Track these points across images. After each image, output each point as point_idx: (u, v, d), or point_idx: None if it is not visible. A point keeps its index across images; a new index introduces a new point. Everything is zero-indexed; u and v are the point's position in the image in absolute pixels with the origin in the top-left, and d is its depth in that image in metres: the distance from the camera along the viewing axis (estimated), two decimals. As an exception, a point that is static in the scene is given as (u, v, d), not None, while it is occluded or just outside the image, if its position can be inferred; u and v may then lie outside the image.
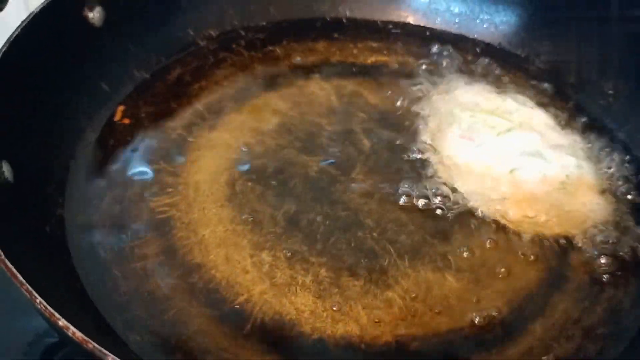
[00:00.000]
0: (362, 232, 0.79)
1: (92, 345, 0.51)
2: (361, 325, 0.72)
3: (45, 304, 0.54)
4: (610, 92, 0.97)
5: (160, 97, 0.95)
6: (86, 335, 0.53)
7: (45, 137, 0.81)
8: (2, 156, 0.71)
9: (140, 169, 0.86)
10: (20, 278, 0.55)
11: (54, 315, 0.53)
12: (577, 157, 0.87)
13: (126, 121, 0.90)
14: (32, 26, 0.79)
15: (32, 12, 0.80)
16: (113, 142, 0.88)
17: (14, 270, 0.56)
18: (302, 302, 0.73)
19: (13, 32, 0.77)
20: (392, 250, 0.78)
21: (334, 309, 0.73)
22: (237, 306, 0.73)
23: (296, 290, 0.74)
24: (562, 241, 0.80)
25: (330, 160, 0.88)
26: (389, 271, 0.76)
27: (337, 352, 0.69)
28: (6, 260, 0.56)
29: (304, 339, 0.70)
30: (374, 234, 0.79)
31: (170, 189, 0.83)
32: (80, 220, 0.79)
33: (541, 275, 0.77)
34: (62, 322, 0.53)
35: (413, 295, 0.74)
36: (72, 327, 0.53)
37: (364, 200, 0.83)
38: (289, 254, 0.77)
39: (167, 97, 0.95)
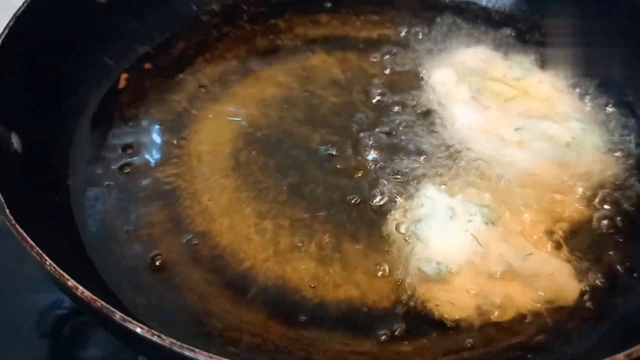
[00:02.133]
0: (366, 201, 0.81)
1: (100, 303, 0.54)
2: (362, 289, 0.73)
3: (54, 265, 0.56)
4: (611, 58, 0.96)
5: (164, 70, 0.96)
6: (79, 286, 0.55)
7: (51, 110, 0.83)
8: (10, 128, 0.73)
9: (145, 140, 0.87)
10: (30, 241, 0.57)
11: (63, 276, 0.55)
12: (582, 121, 0.88)
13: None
14: (37, 2, 0.80)
15: (38, -13, 0.81)
16: (118, 114, 0.90)
17: (24, 234, 0.58)
18: (305, 268, 0.75)
19: (19, 8, 0.78)
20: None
21: (336, 274, 0.74)
22: (241, 272, 0.75)
23: (299, 257, 0.76)
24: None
25: (331, 133, 0.89)
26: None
27: (338, 315, 0.71)
28: (17, 225, 0.58)
29: (306, 302, 0.72)
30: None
31: (175, 160, 0.85)
32: (88, 189, 0.81)
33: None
34: (71, 283, 0.55)
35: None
36: (80, 287, 0.55)
37: (368, 169, 0.84)
38: (291, 222, 0.79)
39: (171, 70, 0.96)
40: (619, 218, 0.80)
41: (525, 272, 0.72)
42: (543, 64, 0.97)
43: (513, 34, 1.02)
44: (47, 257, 0.56)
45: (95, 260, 0.74)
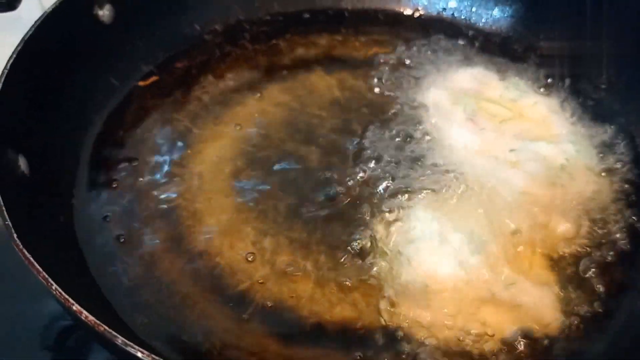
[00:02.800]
0: (361, 223, 0.83)
1: (102, 328, 0.56)
2: (359, 309, 0.75)
3: (60, 290, 0.58)
4: (606, 81, 0.99)
5: (166, 89, 0.98)
6: (97, 319, 0.57)
7: (57, 132, 0.85)
8: (18, 151, 0.75)
9: (147, 160, 0.90)
10: (37, 266, 0.60)
11: (68, 301, 0.57)
12: (576, 143, 0.90)
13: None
14: (45, 25, 0.83)
15: (45, 11, 0.83)
16: (122, 133, 0.92)
17: (32, 259, 0.60)
18: (302, 288, 0.77)
19: (27, 32, 0.81)
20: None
21: (332, 294, 0.77)
22: (240, 291, 0.77)
23: (296, 276, 0.78)
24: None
25: (330, 153, 0.91)
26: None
27: (335, 335, 0.73)
28: (24, 250, 0.61)
29: (303, 322, 0.74)
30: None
31: (176, 179, 0.88)
32: (91, 209, 0.84)
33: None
34: (75, 307, 0.57)
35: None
36: (85, 312, 0.57)
37: (364, 190, 0.86)
38: (290, 242, 0.81)
39: (174, 89, 0.98)
40: (609, 244, 0.81)
41: (507, 301, 0.74)
42: (538, 85, 0.99)
43: (509, 55, 1.04)
44: (53, 282, 0.59)
45: (98, 280, 0.76)
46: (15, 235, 0.62)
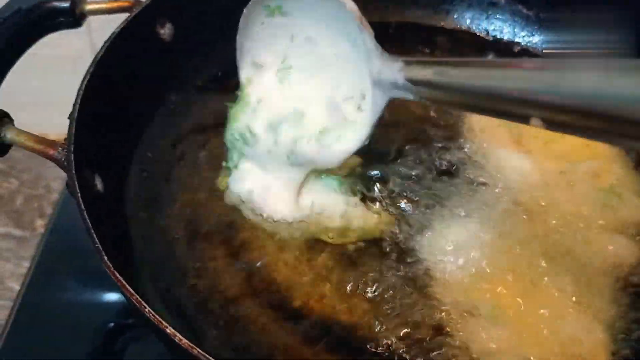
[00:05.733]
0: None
1: (196, 350, 0.60)
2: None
3: (153, 313, 0.62)
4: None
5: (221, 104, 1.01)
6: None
7: (124, 149, 0.89)
8: (95, 171, 0.79)
9: (207, 174, 0.93)
10: (130, 289, 0.63)
11: (162, 323, 0.61)
12: (623, 166, 0.93)
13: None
14: (113, 46, 0.86)
15: (113, 32, 0.86)
16: (182, 148, 0.95)
17: (123, 281, 0.64)
18: (360, 307, 0.80)
19: (97, 53, 0.84)
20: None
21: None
22: (296, 308, 0.80)
23: (354, 294, 0.81)
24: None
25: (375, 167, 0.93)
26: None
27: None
28: (116, 273, 0.64)
29: (364, 343, 0.77)
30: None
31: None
32: (158, 222, 0.87)
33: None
34: (169, 330, 0.61)
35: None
36: (178, 335, 0.61)
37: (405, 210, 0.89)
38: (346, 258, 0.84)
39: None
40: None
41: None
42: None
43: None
44: (146, 305, 0.63)
45: (170, 295, 0.80)
46: (105, 258, 0.66)
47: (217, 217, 0.89)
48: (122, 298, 1.02)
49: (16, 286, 1.19)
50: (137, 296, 0.62)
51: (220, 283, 0.82)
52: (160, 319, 0.61)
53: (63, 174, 0.75)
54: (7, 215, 1.34)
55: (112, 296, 1.04)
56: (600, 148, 0.95)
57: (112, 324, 1.04)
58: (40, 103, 1.21)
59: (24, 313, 1.03)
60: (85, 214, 0.68)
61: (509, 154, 0.94)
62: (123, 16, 0.91)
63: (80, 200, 0.69)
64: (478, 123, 0.98)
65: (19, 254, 1.27)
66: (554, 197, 0.88)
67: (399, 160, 0.94)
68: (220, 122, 0.98)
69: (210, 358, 0.59)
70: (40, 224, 1.32)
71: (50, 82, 1.25)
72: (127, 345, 1.03)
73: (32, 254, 1.16)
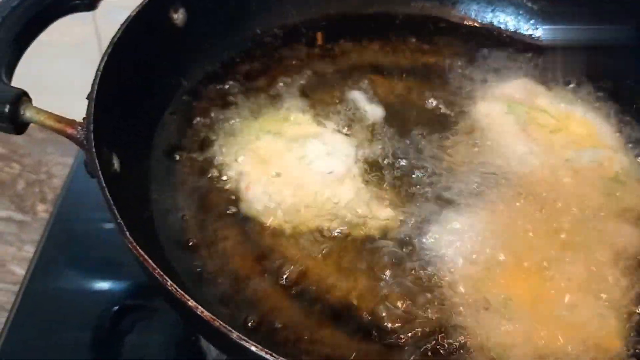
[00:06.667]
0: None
1: (217, 323, 0.61)
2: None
3: (175, 286, 0.63)
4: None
5: (230, 91, 1.03)
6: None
7: (140, 130, 0.90)
8: (112, 150, 0.79)
9: (218, 160, 0.94)
10: (152, 264, 0.64)
11: (184, 296, 0.63)
12: (629, 156, 0.95)
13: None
14: (129, 29, 0.87)
15: (130, 15, 0.87)
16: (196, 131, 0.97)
17: (146, 256, 0.65)
18: (361, 285, 0.81)
19: (114, 35, 0.85)
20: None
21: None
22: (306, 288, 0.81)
23: (356, 274, 0.82)
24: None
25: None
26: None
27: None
28: (138, 248, 0.65)
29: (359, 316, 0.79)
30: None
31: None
32: (169, 204, 0.88)
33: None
34: (191, 303, 0.62)
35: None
36: (200, 307, 0.62)
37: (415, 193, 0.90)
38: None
39: (238, 90, 1.03)
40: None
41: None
42: (588, 97, 1.03)
43: (558, 67, 1.08)
44: (167, 279, 0.64)
45: (180, 274, 0.81)
46: (127, 233, 0.67)
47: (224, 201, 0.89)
48: (127, 281, 1.05)
49: (18, 269, 1.20)
50: (160, 270, 0.63)
51: (230, 262, 0.84)
52: (182, 292, 0.63)
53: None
54: (9, 200, 1.34)
55: (116, 281, 1.06)
56: (604, 137, 0.97)
57: (116, 307, 1.05)
58: (46, 89, 1.22)
59: (30, 298, 1.03)
60: (106, 191, 0.69)
61: (515, 143, 0.95)
62: (130, 6, 0.91)
63: (102, 177, 0.70)
64: (485, 111, 1.00)
65: (21, 237, 1.28)
66: (560, 186, 0.90)
67: (404, 151, 0.95)
68: (230, 104, 1.00)
69: (230, 329, 0.60)
70: (41, 209, 1.33)
71: (55, 69, 1.26)
72: (133, 326, 1.04)
73: (33, 237, 1.18)
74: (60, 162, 1.37)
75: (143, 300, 1.03)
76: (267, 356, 0.60)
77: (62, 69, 1.23)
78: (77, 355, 0.97)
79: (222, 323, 0.61)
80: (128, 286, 1.06)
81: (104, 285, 1.07)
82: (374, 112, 1.01)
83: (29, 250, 1.20)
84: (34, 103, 0.79)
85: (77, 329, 1.01)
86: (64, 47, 1.24)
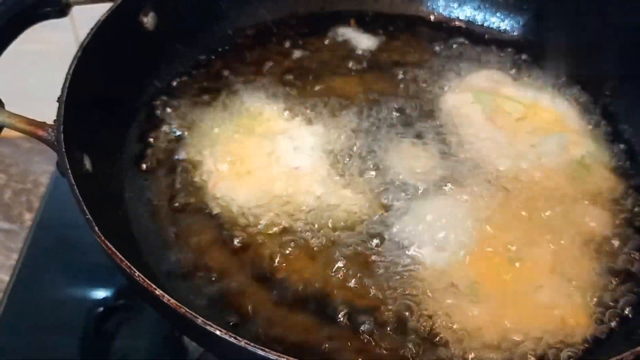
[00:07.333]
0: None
1: (183, 310, 0.63)
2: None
3: (142, 276, 0.65)
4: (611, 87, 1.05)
5: (202, 91, 1.05)
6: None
7: (111, 131, 0.92)
8: (83, 151, 0.82)
9: (190, 159, 0.96)
10: (119, 255, 0.66)
11: (151, 286, 0.64)
12: (594, 140, 0.97)
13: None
14: (98, 33, 0.89)
15: (99, 19, 0.89)
16: (166, 133, 0.99)
17: (113, 249, 0.67)
18: (331, 274, 0.83)
19: (84, 40, 0.87)
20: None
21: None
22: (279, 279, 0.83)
23: (327, 264, 0.84)
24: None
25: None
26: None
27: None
28: (106, 241, 0.67)
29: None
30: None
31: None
32: (142, 203, 0.90)
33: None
34: (158, 292, 0.64)
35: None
36: (166, 295, 0.64)
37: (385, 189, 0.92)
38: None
39: (207, 91, 1.05)
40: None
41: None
42: (551, 85, 1.06)
43: (523, 58, 1.11)
44: (135, 270, 0.66)
45: (153, 268, 0.83)
46: (96, 228, 0.69)
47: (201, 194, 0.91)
48: (110, 286, 1.07)
49: (5, 277, 1.21)
50: (127, 262, 0.65)
51: (203, 257, 0.85)
52: (149, 282, 0.65)
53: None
54: (-4, 209, 1.36)
55: (99, 286, 1.09)
56: (571, 122, 0.99)
57: (101, 309, 1.07)
58: (26, 97, 1.24)
59: (15, 303, 1.06)
60: (75, 188, 0.71)
61: (482, 131, 0.97)
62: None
63: (71, 175, 0.72)
64: (452, 101, 1.02)
65: (8, 246, 1.30)
66: (527, 170, 0.92)
67: (371, 144, 0.97)
68: (202, 104, 1.02)
69: (196, 315, 0.62)
70: (28, 217, 1.35)
71: (36, 76, 1.27)
72: (118, 328, 1.06)
73: (20, 246, 1.19)
74: (47, 171, 1.39)
75: (125, 300, 1.05)
76: (239, 343, 0.61)
77: (43, 76, 1.25)
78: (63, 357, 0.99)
79: (187, 310, 0.63)
80: (111, 289, 1.09)
81: (87, 288, 1.09)
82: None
83: (16, 259, 1.22)
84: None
85: (63, 332, 1.03)
86: (44, 54, 1.26)
